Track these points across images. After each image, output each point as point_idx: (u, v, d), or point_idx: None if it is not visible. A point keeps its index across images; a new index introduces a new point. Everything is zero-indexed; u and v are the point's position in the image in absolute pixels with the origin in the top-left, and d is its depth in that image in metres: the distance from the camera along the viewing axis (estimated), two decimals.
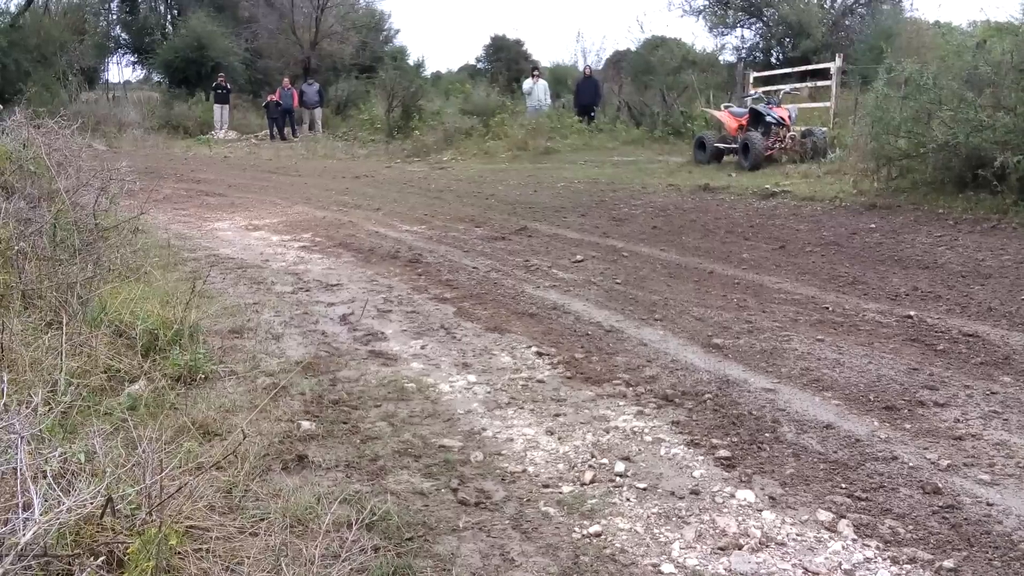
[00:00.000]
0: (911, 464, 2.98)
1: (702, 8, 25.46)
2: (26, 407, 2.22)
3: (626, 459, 3.07)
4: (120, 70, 29.75)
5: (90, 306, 3.89)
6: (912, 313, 4.83)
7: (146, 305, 4.08)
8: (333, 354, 4.30)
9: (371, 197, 10.81)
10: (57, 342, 3.23)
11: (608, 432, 3.32)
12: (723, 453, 3.10)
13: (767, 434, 3.26)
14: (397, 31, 32.70)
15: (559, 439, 3.26)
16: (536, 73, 20.74)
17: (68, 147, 5.95)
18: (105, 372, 3.39)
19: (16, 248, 3.99)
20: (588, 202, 9.83)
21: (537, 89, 19.59)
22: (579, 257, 6.68)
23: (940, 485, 2.82)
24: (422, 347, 4.46)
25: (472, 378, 3.97)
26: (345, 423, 3.38)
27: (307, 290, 5.76)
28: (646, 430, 3.34)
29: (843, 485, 2.84)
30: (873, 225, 7.50)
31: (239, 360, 4.09)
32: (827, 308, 5.05)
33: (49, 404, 2.67)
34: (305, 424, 3.31)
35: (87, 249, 4.51)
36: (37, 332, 3.46)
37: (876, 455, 3.06)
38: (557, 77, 25.51)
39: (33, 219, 4.51)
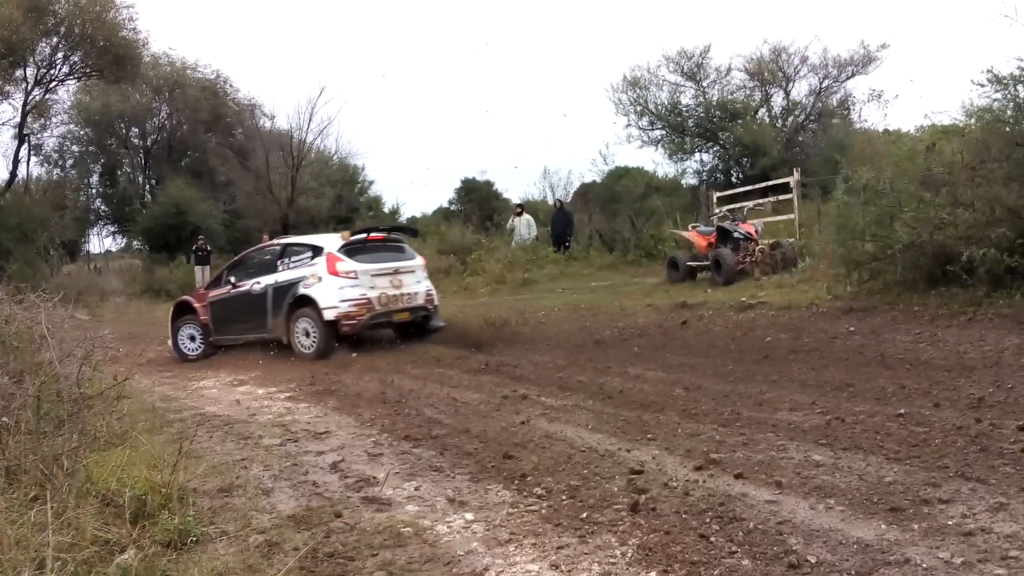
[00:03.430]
0: (925, 565, 2.91)
1: (660, 138, 26.69)
2: None
3: None
4: (100, 240, 30.28)
5: (76, 477, 3.81)
6: (903, 411, 4.84)
7: (133, 471, 4.00)
8: (325, 504, 4.20)
9: (352, 340, 10.81)
10: (43, 517, 3.14)
11: (615, 561, 3.23)
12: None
13: (775, 548, 3.19)
14: (371, 182, 33.76)
15: (566, 572, 3.17)
16: (519, 210, 21.48)
17: (51, 319, 5.99)
18: (93, 543, 3.29)
19: None
20: (570, 328, 9.92)
21: (519, 225, 20.31)
22: (567, 382, 6.69)
23: None
24: (415, 488, 4.37)
25: (469, 516, 3.88)
26: None
27: (295, 441, 5.69)
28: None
29: None
30: (852, 328, 7.61)
31: (230, 519, 3.98)
32: (819, 413, 5.04)
33: None
34: None
35: (72, 419, 4.46)
36: (22, 508, 3.37)
37: (888, 560, 2.99)
38: (528, 211, 26.28)
39: (16, 393, 4.48)
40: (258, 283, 10.50)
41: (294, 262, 10.40)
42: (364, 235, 10.62)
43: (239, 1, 56.27)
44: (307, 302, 9.89)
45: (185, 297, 11.82)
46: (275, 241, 12.07)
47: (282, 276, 10.32)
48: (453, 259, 18.88)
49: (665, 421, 5.25)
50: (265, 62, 54.64)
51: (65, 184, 28.77)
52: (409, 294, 10.27)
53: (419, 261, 10.82)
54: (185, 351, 11.01)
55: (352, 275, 9.89)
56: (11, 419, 4.03)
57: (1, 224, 22.36)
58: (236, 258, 12.05)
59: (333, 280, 9.84)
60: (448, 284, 17.47)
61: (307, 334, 9.88)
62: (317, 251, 10.25)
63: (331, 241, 10.41)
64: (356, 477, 4.65)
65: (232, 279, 10.93)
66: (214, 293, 11.10)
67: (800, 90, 26.15)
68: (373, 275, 10.03)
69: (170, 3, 50.05)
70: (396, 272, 10.29)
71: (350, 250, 10.19)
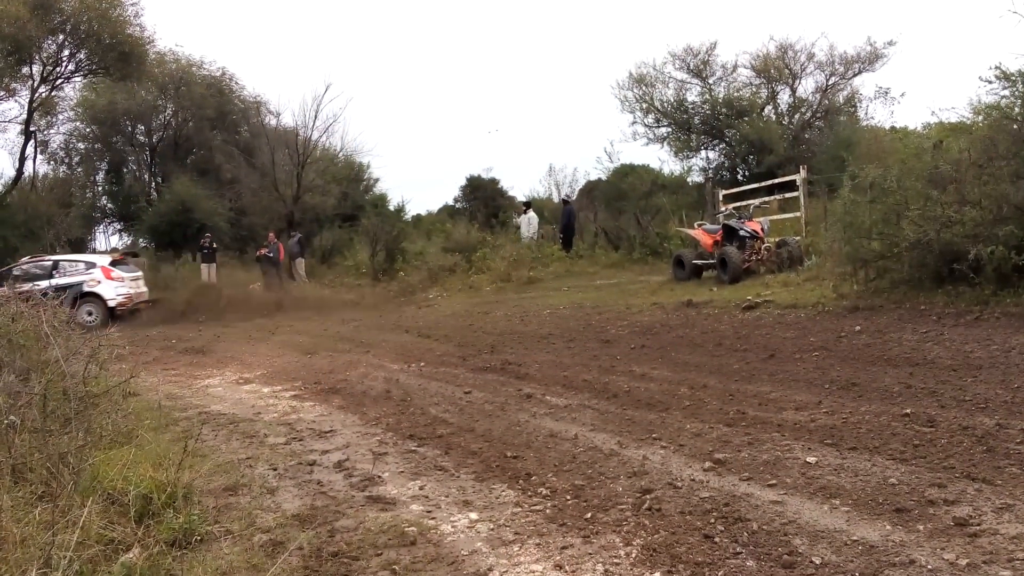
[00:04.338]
0: (930, 567, 2.90)
1: (665, 136, 26.58)
2: None
3: None
4: (107, 238, 30.32)
5: (82, 475, 3.82)
6: (909, 410, 4.82)
7: (138, 469, 4.01)
8: (330, 503, 4.21)
9: (360, 339, 10.85)
10: (49, 515, 3.15)
11: (619, 562, 3.22)
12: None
13: (779, 549, 3.18)
14: (377, 180, 33.69)
15: (570, 573, 3.16)
16: (524, 209, 21.53)
17: (57, 317, 6.01)
18: (98, 542, 3.30)
19: (5, 422, 3.95)
20: (575, 327, 9.91)
21: (522, 223, 20.36)
22: (571, 381, 6.68)
23: None
24: (420, 488, 4.37)
25: (474, 516, 3.88)
26: None
27: (300, 439, 5.69)
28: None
29: None
30: (858, 327, 7.58)
31: (235, 518, 3.99)
32: (824, 412, 5.03)
33: None
34: None
35: (78, 417, 4.47)
36: (28, 507, 3.38)
37: (893, 561, 2.98)
38: (534, 208, 26.29)
39: (23, 392, 4.49)
40: (37, 286, 15.51)
41: (69, 271, 16.97)
42: (119, 256, 18.12)
43: None
44: (92, 295, 16.71)
45: None
46: (44, 258, 18.01)
47: (60, 281, 16.44)
48: (459, 257, 18.89)
49: (670, 420, 5.24)
50: (271, 59, 54.74)
51: (71, 181, 28.82)
52: (143, 291, 17.96)
53: (140, 272, 18.36)
54: None
55: (121, 279, 17.11)
56: (18, 417, 4.04)
57: (7, 221, 22.47)
58: (5, 269, 17.18)
59: (110, 282, 16.94)
60: (453, 282, 17.49)
61: (90, 314, 16.45)
62: (91, 265, 17.30)
63: (102, 258, 17.82)
64: (361, 476, 4.66)
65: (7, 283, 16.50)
66: None
67: (807, 87, 26.02)
68: (129, 279, 17.38)
69: (176, 0, 50.15)
70: (137, 278, 17.84)
71: (113, 264, 17.44)
